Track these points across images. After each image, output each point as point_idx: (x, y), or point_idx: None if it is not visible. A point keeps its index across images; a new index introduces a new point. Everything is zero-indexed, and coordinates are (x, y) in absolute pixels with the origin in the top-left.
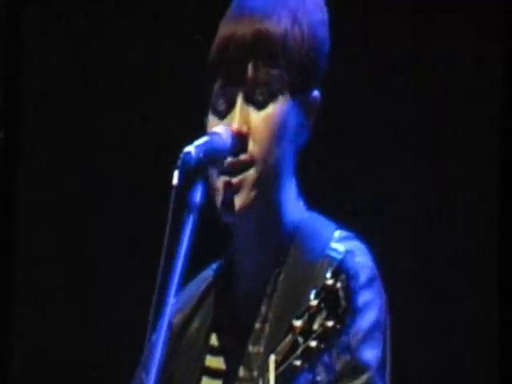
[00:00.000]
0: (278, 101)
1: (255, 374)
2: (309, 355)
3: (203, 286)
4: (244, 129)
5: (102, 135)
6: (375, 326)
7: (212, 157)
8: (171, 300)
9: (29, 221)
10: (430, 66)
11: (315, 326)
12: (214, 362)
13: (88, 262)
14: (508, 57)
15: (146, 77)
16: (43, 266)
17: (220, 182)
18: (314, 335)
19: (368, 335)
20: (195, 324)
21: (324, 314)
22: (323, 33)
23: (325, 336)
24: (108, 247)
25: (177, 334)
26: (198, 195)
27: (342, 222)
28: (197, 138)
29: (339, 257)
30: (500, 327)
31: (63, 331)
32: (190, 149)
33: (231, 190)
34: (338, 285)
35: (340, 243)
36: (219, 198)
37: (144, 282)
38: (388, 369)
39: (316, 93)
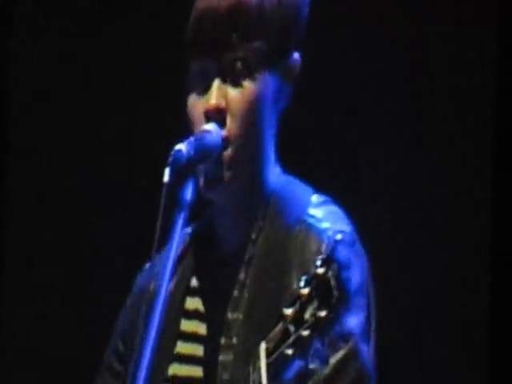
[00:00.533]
0: (256, 75)
1: (234, 340)
2: (301, 344)
3: (178, 251)
4: (222, 104)
5: (95, 134)
6: (357, 292)
7: (203, 154)
8: (161, 298)
9: (19, 221)
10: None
11: (307, 316)
12: (189, 325)
13: (81, 261)
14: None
15: (140, 75)
16: (36, 265)
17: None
18: (306, 325)
19: (351, 303)
20: (170, 288)
21: (316, 303)
22: None
23: (317, 325)
24: (101, 245)
25: (152, 300)
26: (188, 193)
27: (318, 185)
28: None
29: (319, 224)
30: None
31: (57, 331)
32: (181, 146)
33: (212, 167)
34: (330, 273)
35: (317, 208)
36: (201, 177)
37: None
38: (373, 327)
39: (296, 55)
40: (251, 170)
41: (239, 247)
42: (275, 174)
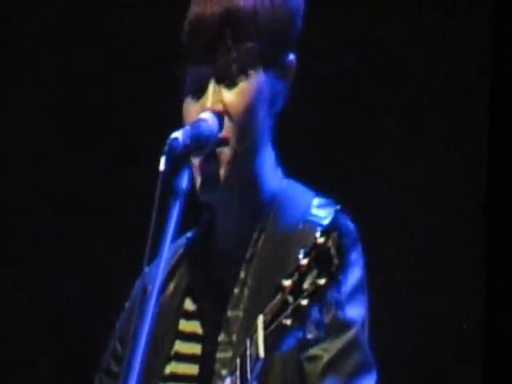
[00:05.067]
0: (250, 76)
1: (234, 338)
2: (299, 314)
3: (177, 254)
4: (218, 108)
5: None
6: (359, 286)
7: (199, 143)
8: (158, 283)
9: None
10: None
11: (305, 285)
12: (188, 326)
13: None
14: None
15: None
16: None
17: (198, 161)
18: (304, 294)
19: (354, 293)
20: (169, 290)
21: (315, 272)
22: None
23: (316, 294)
24: (97, 233)
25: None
26: (184, 181)
27: (320, 188)
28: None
29: (323, 221)
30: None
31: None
32: (177, 135)
33: (209, 169)
34: (330, 243)
35: (320, 209)
36: (198, 179)
37: (130, 268)
38: (367, 330)
39: (291, 56)
40: (248, 170)
41: (239, 247)
42: (276, 178)
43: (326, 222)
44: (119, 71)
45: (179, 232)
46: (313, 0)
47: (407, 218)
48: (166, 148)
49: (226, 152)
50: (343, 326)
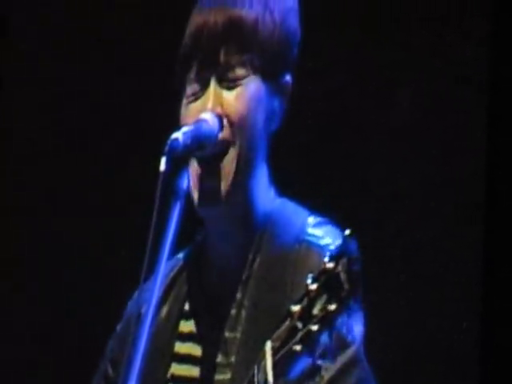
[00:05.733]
0: (250, 81)
1: (232, 359)
2: (309, 339)
3: (170, 276)
4: (218, 110)
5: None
6: (359, 305)
7: (199, 143)
8: (158, 284)
9: None
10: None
11: (315, 311)
12: (184, 348)
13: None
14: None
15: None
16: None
17: (196, 171)
18: (314, 319)
19: (353, 311)
20: (163, 312)
21: (324, 297)
22: (294, 19)
23: (327, 319)
24: (97, 233)
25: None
26: (185, 181)
27: (313, 207)
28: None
29: (321, 240)
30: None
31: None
32: (178, 135)
33: (209, 182)
34: (340, 268)
35: (316, 228)
36: (196, 193)
37: (131, 269)
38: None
39: (288, 77)
40: (246, 185)
41: (235, 268)
42: (270, 197)
43: (324, 241)
44: (119, 71)
45: (178, 240)
46: (303, 20)
47: (398, 237)
48: (167, 148)
49: (227, 160)
50: (343, 344)
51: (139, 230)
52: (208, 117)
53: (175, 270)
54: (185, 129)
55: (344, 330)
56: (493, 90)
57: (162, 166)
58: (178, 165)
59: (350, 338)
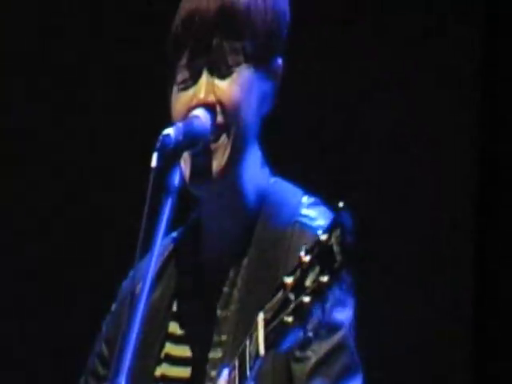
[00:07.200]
0: (242, 69)
1: (224, 338)
2: (301, 311)
3: (164, 255)
4: (211, 99)
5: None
6: (349, 289)
7: (191, 139)
8: (148, 282)
9: None
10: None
11: (308, 283)
12: (178, 328)
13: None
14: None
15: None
16: None
17: (188, 155)
18: (306, 291)
19: (343, 296)
20: (157, 292)
21: (317, 269)
22: (284, 3)
23: (319, 291)
24: (87, 231)
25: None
26: (176, 178)
27: (307, 186)
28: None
29: (314, 222)
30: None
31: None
32: (169, 131)
33: (200, 161)
34: (333, 240)
35: (310, 209)
36: (187, 170)
37: (121, 265)
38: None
39: (279, 61)
40: (239, 164)
41: (228, 247)
42: (264, 177)
43: (318, 222)
44: (119, 71)
45: (170, 229)
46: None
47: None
48: (158, 144)
49: (221, 142)
50: (332, 327)
51: (130, 225)
52: (200, 113)
53: (169, 248)
54: (176, 125)
55: (334, 310)
56: (484, 92)
57: (154, 162)
58: (169, 161)
59: (337, 320)
